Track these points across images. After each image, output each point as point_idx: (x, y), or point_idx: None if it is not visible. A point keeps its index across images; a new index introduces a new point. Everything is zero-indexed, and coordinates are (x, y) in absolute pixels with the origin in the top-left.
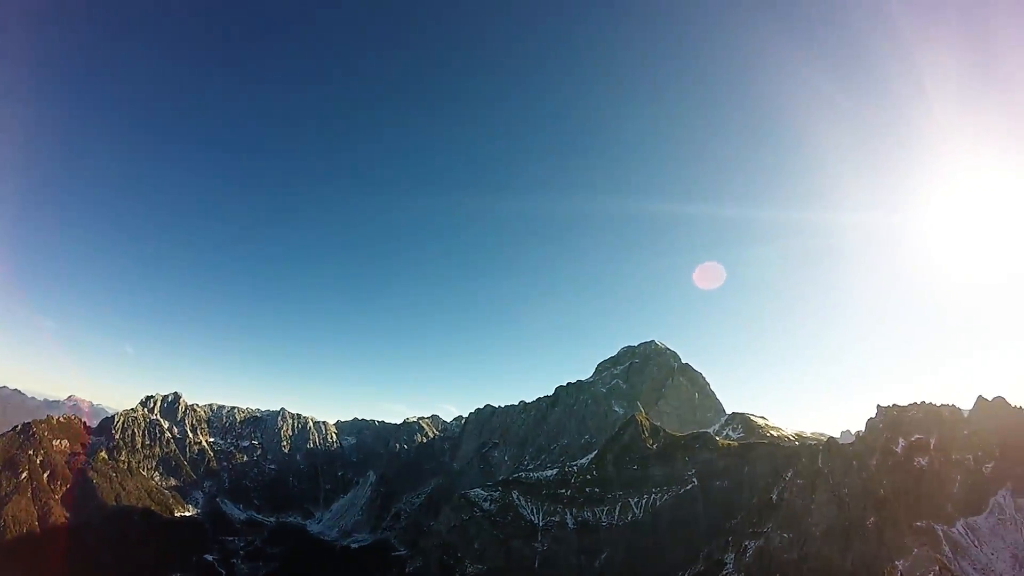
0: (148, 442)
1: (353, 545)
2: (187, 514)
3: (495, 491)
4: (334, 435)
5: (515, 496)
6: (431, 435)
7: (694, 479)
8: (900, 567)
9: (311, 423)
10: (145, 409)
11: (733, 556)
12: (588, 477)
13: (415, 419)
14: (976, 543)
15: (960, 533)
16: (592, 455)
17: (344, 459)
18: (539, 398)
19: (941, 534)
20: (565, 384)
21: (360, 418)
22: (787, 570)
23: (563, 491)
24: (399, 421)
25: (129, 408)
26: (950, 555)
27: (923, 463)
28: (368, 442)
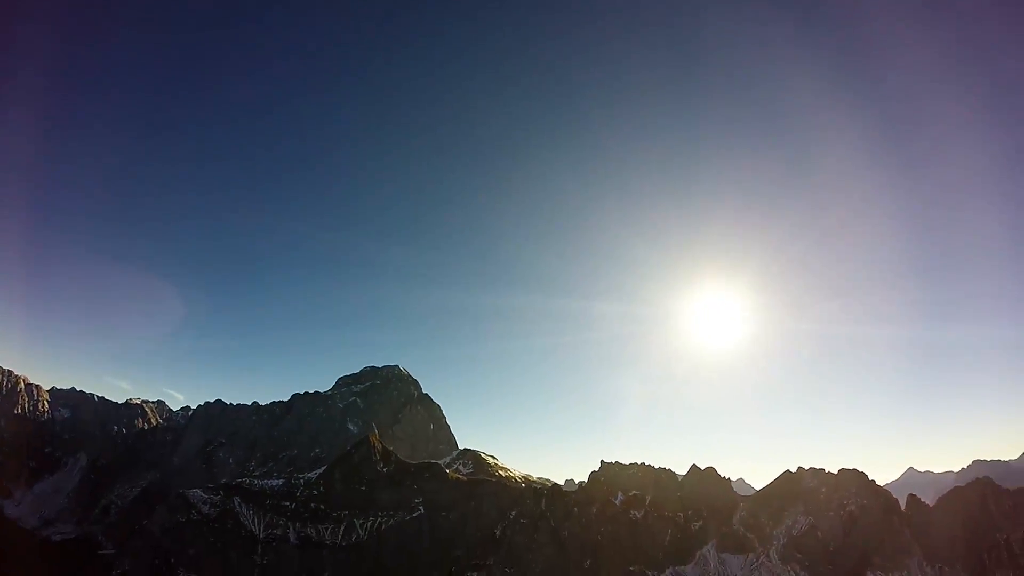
0: None
1: (55, 537)
2: None
3: (217, 494)
4: (47, 403)
5: (237, 503)
6: (154, 422)
7: (421, 507)
8: None
9: (23, 384)
10: None
11: None
12: (315, 492)
13: (139, 401)
14: None
15: None
16: (321, 470)
17: (54, 434)
18: (273, 402)
19: None
20: (302, 393)
21: (80, 390)
22: None
23: (288, 503)
24: (121, 401)
25: None
26: None
27: (638, 516)
28: (84, 419)
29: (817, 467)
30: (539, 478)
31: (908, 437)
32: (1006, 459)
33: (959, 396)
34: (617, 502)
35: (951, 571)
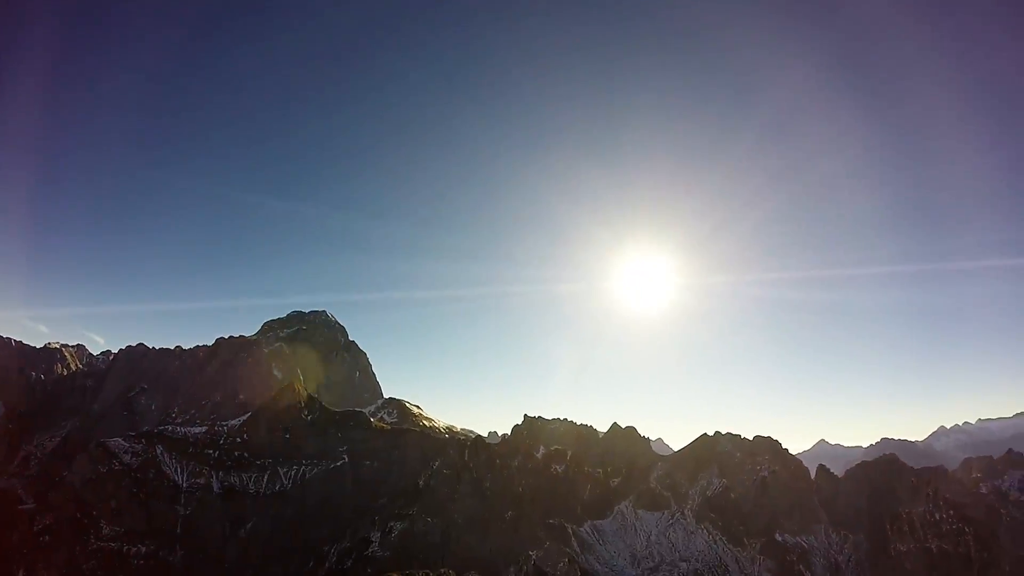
0: None
1: None
2: None
3: (139, 443)
4: None
5: (160, 452)
6: (74, 368)
7: (345, 456)
8: (534, 557)
9: None
10: None
11: (379, 535)
12: (239, 440)
13: (58, 345)
14: (601, 542)
15: (587, 533)
16: (246, 417)
17: None
18: (197, 346)
19: (571, 532)
20: (227, 337)
21: None
22: (430, 553)
23: (211, 452)
24: (40, 345)
25: None
26: (578, 550)
27: (559, 470)
28: (1, 364)
29: (734, 432)
30: (463, 429)
31: (821, 411)
32: (912, 439)
33: (872, 376)
34: (539, 456)
35: (855, 538)
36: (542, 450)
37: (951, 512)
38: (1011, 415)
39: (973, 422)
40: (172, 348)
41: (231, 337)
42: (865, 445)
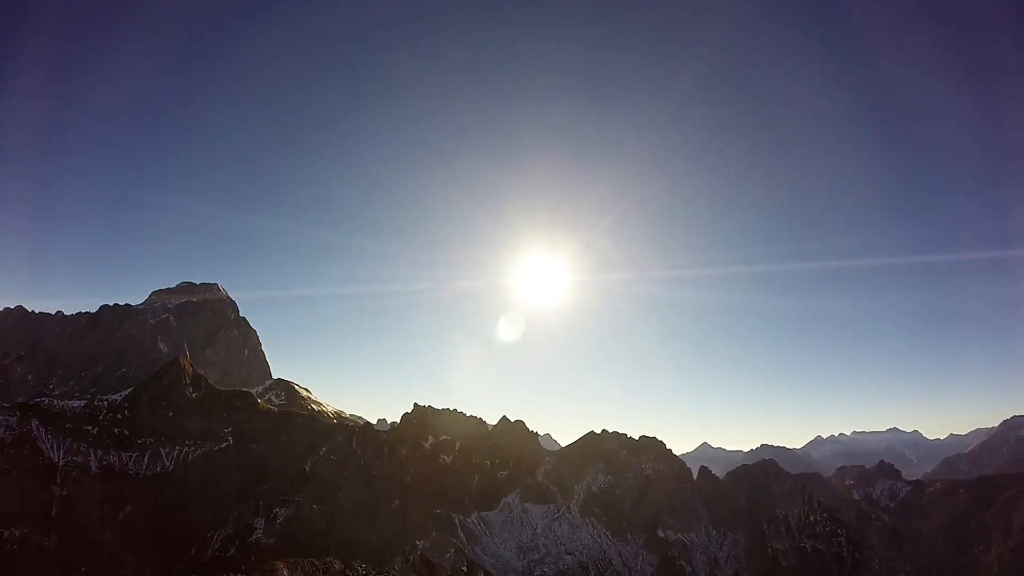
0: None
1: None
2: None
3: (12, 416)
4: None
5: (35, 426)
6: None
7: (230, 438)
8: (421, 547)
9: None
10: None
11: (264, 521)
12: (120, 416)
13: None
14: (488, 534)
15: (474, 524)
16: (128, 392)
17: None
18: (80, 313)
19: (458, 523)
20: (112, 304)
21: None
22: (316, 540)
23: (90, 428)
24: None
25: None
26: (465, 541)
27: (447, 460)
28: None
29: (620, 431)
30: (352, 415)
31: (705, 415)
32: (791, 447)
33: (754, 383)
34: (428, 445)
35: (734, 536)
36: (431, 440)
37: (825, 515)
38: (884, 429)
39: (848, 434)
40: (52, 313)
41: (116, 305)
42: (746, 450)
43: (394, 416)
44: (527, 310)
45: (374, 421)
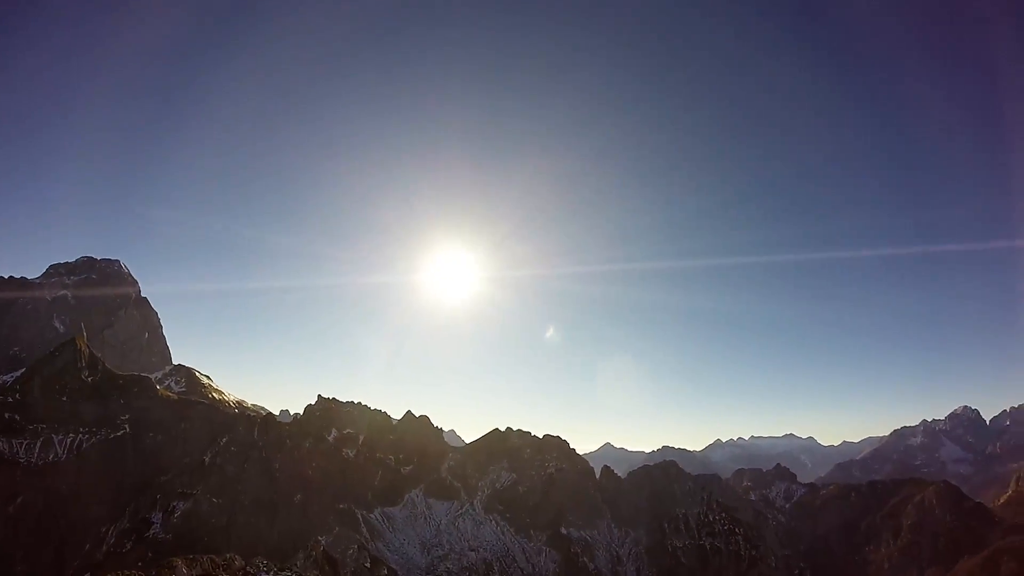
0: None
1: None
2: None
3: None
4: None
5: None
6: None
7: (127, 426)
8: (323, 542)
9: None
10: None
11: (161, 515)
12: (10, 400)
13: None
14: (391, 529)
15: (378, 519)
16: (19, 373)
17: None
18: None
19: (361, 518)
20: (5, 277)
21: None
22: (215, 535)
23: None
24: None
25: None
26: (368, 536)
27: (351, 454)
28: None
29: (524, 429)
30: (254, 405)
31: (608, 415)
32: (691, 449)
33: (657, 388)
34: (331, 439)
35: (635, 534)
36: (334, 433)
37: (723, 514)
38: (780, 435)
39: (746, 438)
40: None
41: (10, 277)
42: (648, 451)
43: (297, 407)
44: (436, 306)
45: (277, 412)
